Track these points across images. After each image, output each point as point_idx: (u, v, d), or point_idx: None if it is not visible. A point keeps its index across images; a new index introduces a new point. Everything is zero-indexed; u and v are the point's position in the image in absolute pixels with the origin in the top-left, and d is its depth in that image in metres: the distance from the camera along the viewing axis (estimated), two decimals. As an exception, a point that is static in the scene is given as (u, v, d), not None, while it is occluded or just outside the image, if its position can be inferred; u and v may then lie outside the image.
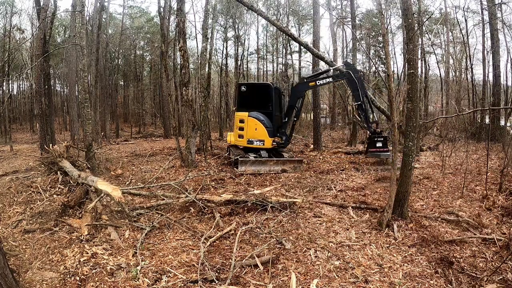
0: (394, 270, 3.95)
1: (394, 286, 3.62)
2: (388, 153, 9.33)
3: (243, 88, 11.54)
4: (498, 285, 3.62)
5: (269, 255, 4.21)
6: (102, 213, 5.46)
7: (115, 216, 5.57)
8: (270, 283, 3.66)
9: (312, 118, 20.58)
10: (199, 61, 16.40)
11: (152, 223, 5.30)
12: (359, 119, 10.24)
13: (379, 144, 9.49)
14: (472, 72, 18.86)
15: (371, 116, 10.29)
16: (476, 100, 18.47)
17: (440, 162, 9.88)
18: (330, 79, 10.47)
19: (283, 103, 11.58)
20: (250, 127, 10.72)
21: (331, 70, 10.35)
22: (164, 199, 6.41)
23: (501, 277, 3.75)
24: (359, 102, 9.62)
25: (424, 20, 18.31)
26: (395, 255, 4.35)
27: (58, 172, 7.43)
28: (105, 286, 3.58)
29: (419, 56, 18.28)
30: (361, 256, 4.29)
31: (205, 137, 13.40)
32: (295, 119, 10.82)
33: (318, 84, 10.22)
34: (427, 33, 21.53)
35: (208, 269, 3.85)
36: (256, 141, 10.65)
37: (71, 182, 6.97)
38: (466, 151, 9.73)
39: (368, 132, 10.01)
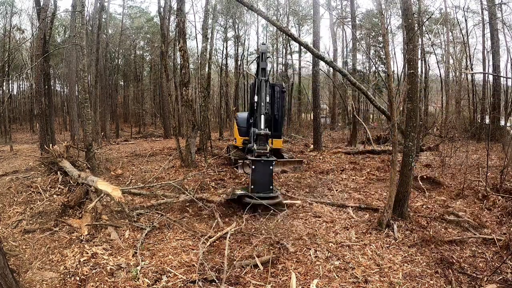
0: (394, 270, 3.95)
1: (394, 286, 3.62)
2: (238, 193, 6.02)
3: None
4: (498, 285, 3.62)
5: (269, 255, 4.21)
6: (102, 213, 5.46)
7: (115, 216, 5.56)
8: (270, 283, 3.66)
9: (312, 118, 20.58)
10: (199, 61, 16.41)
11: (152, 223, 5.30)
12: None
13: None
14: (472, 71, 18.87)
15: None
16: (476, 100, 18.47)
17: (440, 162, 9.87)
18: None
19: (275, 101, 10.90)
20: (234, 126, 11.26)
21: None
22: (164, 199, 6.42)
23: (501, 277, 3.75)
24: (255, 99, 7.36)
25: (424, 20, 18.30)
26: (395, 255, 4.35)
27: (58, 172, 7.43)
28: (105, 286, 3.58)
29: (419, 56, 18.30)
30: (361, 256, 4.29)
31: (205, 137, 13.39)
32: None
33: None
34: (427, 33, 21.53)
35: (208, 269, 3.85)
36: (234, 139, 11.00)
37: (71, 182, 6.97)
38: (466, 151, 9.72)
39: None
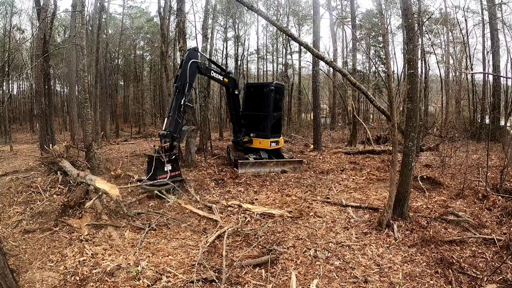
0: (394, 270, 3.95)
1: (394, 286, 3.62)
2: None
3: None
4: (498, 285, 3.62)
5: (269, 255, 4.20)
6: (102, 213, 5.46)
7: (114, 216, 5.57)
8: (270, 283, 3.66)
9: (312, 118, 20.58)
10: (199, 61, 16.36)
11: (152, 223, 5.29)
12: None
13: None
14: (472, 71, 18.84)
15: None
16: (476, 100, 18.46)
17: (440, 162, 9.87)
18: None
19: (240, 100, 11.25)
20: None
21: None
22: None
23: (501, 277, 3.75)
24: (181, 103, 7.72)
25: (424, 20, 18.31)
26: (395, 255, 4.34)
27: (58, 172, 7.43)
28: (105, 286, 3.58)
29: (419, 56, 18.29)
30: (361, 256, 4.29)
31: (205, 137, 13.39)
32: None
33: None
34: (427, 33, 21.53)
35: (208, 269, 3.85)
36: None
37: (71, 182, 6.96)
38: (466, 151, 9.72)
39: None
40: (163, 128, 7.67)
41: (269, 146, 10.56)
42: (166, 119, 7.79)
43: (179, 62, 9.35)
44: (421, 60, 21.55)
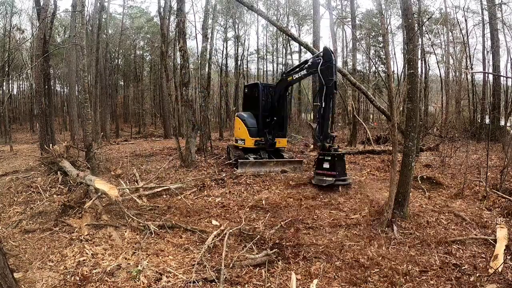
0: (394, 270, 3.94)
1: (394, 286, 3.62)
2: (331, 179, 7.55)
3: (246, 90, 12.01)
4: (498, 285, 3.62)
5: (269, 255, 4.20)
6: (102, 213, 5.46)
7: (115, 216, 5.56)
8: (270, 283, 3.66)
9: (312, 118, 20.58)
10: (199, 61, 16.39)
11: (152, 223, 5.29)
12: (313, 126, 8.90)
13: (326, 166, 7.78)
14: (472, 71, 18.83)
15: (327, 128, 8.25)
16: (476, 100, 18.46)
17: (440, 162, 9.87)
18: (305, 72, 8.99)
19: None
20: (236, 127, 11.18)
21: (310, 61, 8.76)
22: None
23: (501, 277, 3.75)
24: (322, 105, 7.89)
25: (424, 20, 18.31)
26: (395, 255, 4.34)
27: (58, 172, 7.44)
28: (105, 286, 3.58)
29: (419, 56, 18.27)
30: (361, 256, 4.29)
31: (205, 137, 13.39)
32: (275, 118, 10.09)
33: (294, 78, 9.29)
34: (427, 33, 21.52)
35: (208, 269, 3.85)
36: (240, 140, 10.78)
37: (71, 182, 6.97)
38: (466, 151, 9.72)
39: (317, 146, 8.22)
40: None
41: (286, 145, 11.22)
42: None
43: (179, 62, 9.47)
44: (421, 60, 21.53)
